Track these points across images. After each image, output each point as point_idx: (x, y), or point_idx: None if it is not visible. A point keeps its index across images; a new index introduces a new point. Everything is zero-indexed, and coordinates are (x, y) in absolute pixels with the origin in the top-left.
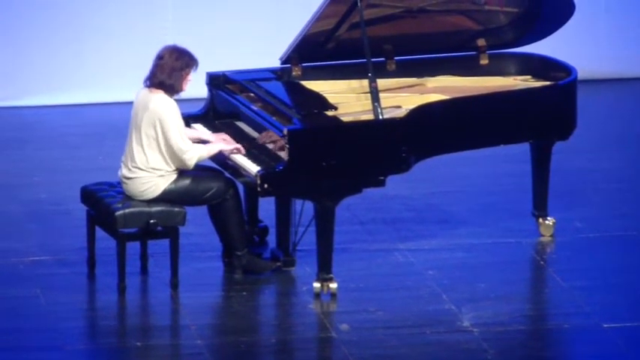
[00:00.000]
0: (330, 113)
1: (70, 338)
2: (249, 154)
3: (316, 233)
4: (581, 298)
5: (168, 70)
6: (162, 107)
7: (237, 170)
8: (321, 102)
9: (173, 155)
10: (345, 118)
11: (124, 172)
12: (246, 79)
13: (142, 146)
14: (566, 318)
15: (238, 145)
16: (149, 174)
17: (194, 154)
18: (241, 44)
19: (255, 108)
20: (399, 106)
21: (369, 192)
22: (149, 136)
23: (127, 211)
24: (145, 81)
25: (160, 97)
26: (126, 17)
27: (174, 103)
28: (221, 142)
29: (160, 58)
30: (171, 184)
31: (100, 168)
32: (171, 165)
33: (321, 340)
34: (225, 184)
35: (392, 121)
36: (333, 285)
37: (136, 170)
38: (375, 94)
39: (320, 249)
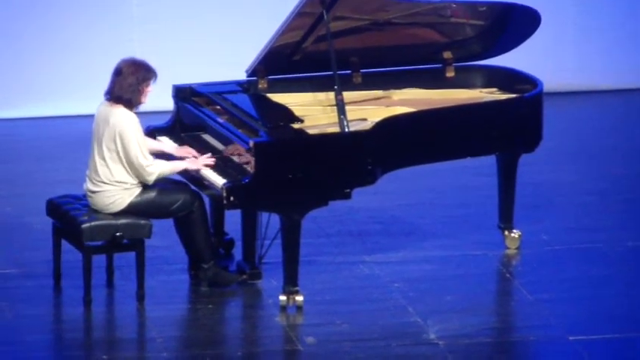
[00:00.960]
0: (296, 126)
1: (36, 351)
2: (216, 167)
3: (282, 246)
4: (547, 311)
5: (127, 84)
6: (123, 122)
7: (203, 183)
8: (287, 114)
9: (132, 169)
10: (311, 131)
11: (89, 186)
12: (213, 92)
13: (104, 160)
14: (532, 330)
15: (202, 164)
16: (114, 187)
17: (155, 170)
18: (207, 56)
19: (221, 120)
20: (365, 119)
21: (335, 204)
22: (111, 149)
23: (93, 223)
24: (105, 95)
25: (120, 112)
26: (92, 30)
27: (135, 117)
28: (186, 161)
29: (117, 72)
30: (136, 196)
31: (66, 181)
32: (134, 178)
33: (288, 353)
34: (191, 197)
35: (358, 134)
36: (299, 298)
37: (101, 184)
38: (341, 106)
39: (286, 262)
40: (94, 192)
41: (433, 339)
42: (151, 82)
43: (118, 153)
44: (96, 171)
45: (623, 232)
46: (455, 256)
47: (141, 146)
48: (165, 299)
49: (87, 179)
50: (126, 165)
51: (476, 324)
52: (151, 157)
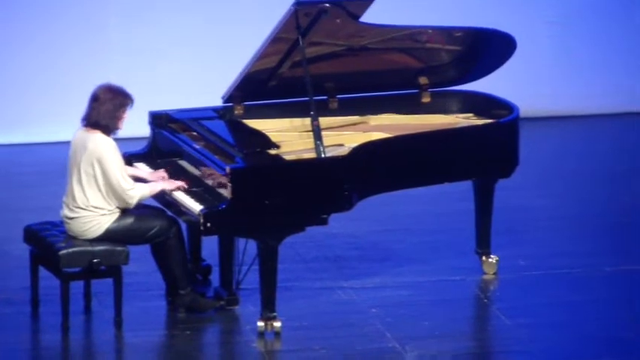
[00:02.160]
0: (272, 152)
1: None
2: (192, 193)
3: (259, 272)
4: (526, 336)
5: (104, 111)
6: (101, 147)
7: (180, 209)
8: (263, 140)
9: (114, 194)
10: (287, 157)
11: (66, 212)
12: (189, 118)
13: (81, 185)
14: (511, 356)
15: (180, 183)
16: (91, 213)
17: (136, 193)
18: (184, 83)
19: (197, 147)
20: (342, 145)
21: (313, 230)
22: (88, 174)
23: (70, 250)
24: (82, 120)
25: (98, 138)
26: (68, 55)
27: (113, 142)
28: (161, 181)
29: (94, 98)
30: (113, 222)
31: (43, 207)
32: (111, 204)
33: None
34: (168, 223)
35: (334, 160)
36: (277, 324)
37: (78, 210)
38: (317, 132)
39: (263, 287)
40: (70, 218)
41: None
42: (128, 108)
43: (95, 178)
44: (73, 197)
45: (601, 257)
46: (432, 281)
47: (121, 170)
48: (143, 325)
49: (64, 205)
50: (104, 191)
51: (454, 349)
52: (131, 181)
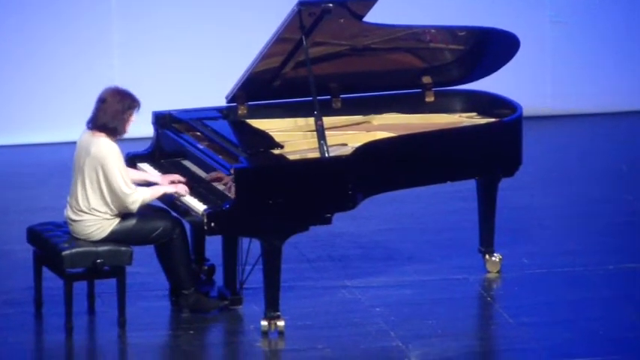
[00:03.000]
0: (276, 151)
1: None
2: (196, 193)
3: (263, 271)
4: (529, 334)
5: (111, 113)
6: (104, 152)
7: (184, 209)
8: (267, 140)
9: (116, 199)
10: (291, 157)
11: (69, 213)
12: (193, 118)
13: (84, 189)
14: (514, 354)
15: (182, 188)
16: (93, 217)
17: (137, 198)
18: (187, 83)
19: (201, 147)
20: (345, 144)
21: (316, 229)
22: (92, 179)
23: (73, 250)
24: (88, 123)
25: (102, 142)
26: (72, 56)
27: (116, 147)
28: (166, 185)
29: (102, 100)
30: (117, 225)
31: (46, 208)
32: (113, 209)
33: None
34: (172, 224)
35: (338, 159)
36: (281, 323)
37: (81, 213)
38: (321, 132)
39: (267, 287)
40: (74, 220)
41: None
42: (135, 111)
43: (99, 183)
44: (76, 199)
45: (604, 255)
46: (436, 280)
47: (123, 176)
48: (147, 326)
49: (68, 206)
50: (106, 195)
51: (457, 348)
52: (133, 186)
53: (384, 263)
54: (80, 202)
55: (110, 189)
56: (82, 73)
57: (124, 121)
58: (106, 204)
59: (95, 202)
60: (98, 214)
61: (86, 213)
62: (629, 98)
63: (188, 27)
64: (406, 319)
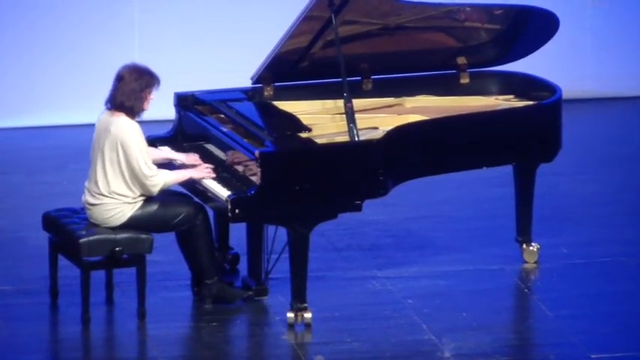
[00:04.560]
0: (303, 135)
1: None
2: (220, 178)
3: (290, 261)
4: (568, 328)
5: (129, 91)
6: (124, 131)
7: (207, 195)
8: (294, 123)
9: (136, 181)
10: (319, 140)
11: (88, 198)
12: (216, 100)
13: (104, 171)
14: (552, 348)
15: (209, 173)
16: (113, 200)
17: (159, 181)
18: (211, 63)
19: (225, 130)
20: (376, 128)
21: (345, 217)
22: (112, 160)
23: (91, 238)
24: (106, 103)
25: (121, 120)
26: (92, 35)
27: (137, 126)
28: (191, 169)
29: (119, 78)
30: (137, 210)
31: (63, 193)
32: (135, 191)
33: None
34: (195, 210)
35: (368, 143)
36: (308, 315)
37: (100, 197)
38: (350, 114)
39: (294, 277)
40: (92, 205)
41: (448, 357)
42: (154, 88)
43: (119, 164)
44: (95, 183)
45: None
46: (470, 270)
47: (144, 156)
48: (167, 317)
49: (86, 191)
50: (127, 177)
51: (492, 342)
52: (154, 167)
53: (416, 253)
54: (100, 185)
55: (130, 170)
56: (102, 53)
57: (142, 100)
58: (128, 186)
59: (116, 184)
60: (119, 197)
61: (106, 196)
62: None
63: (212, 3)
64: (439, 312)
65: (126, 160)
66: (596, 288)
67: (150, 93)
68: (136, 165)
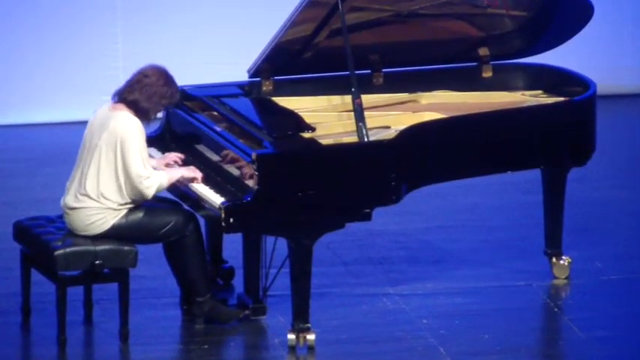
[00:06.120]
0: (306, 135)
1: None
2: (213, 183)
3: (290, 276)
4: (603, 351)
5: (151, 93)
6: (125, 126)
7: (198, 202)
8: (296, 122)
9: (130, 183)
10: (324, 141)
11: (68, 200)
12: (209, 95)
13: (98, 170)
14: None
15: (200, 173)
16: (98, 204)
17: (153, 182)
18: (202, 54)
19: (218, 129)
20: (388, 127)
21: (353, 227)
22: (109, 158)
23: (68, 250)
24: (114, 96)
25: (123, 115)
26: (71, 24)
27: (139, 123)
28: (182, 168)
29: (142, 74)
30: (121, 218)
31: (35, 200)
32: (126, 197)
33: None
34: (185, 218)
35: (379, 144)
36: (311, 336)
37: (84, 199)
38: (359, 112)
39: (295, 294)
40: (72, 208)
41: None
42: (170, 104)
43: (115, 165)
44: (81, 183)
45: None
46: (493, 287)
47: (143, 156)
48: (153, 339)
49: (66, 192)
50: (121, 180)
51: None
52: (150, 169)
53: (433, 267)
54: (88, 185)
55: (125, 170)
56: (80, 47)
57: (157, 108)
58: (119, 190)
59: (106, 186)
60: (105, 201)
61: (91, 199)
62: None
63: None
64: (458, 333)
65: (123, 160)
66: (635, 307)
67: (165, 105)
68: (133, 165)
